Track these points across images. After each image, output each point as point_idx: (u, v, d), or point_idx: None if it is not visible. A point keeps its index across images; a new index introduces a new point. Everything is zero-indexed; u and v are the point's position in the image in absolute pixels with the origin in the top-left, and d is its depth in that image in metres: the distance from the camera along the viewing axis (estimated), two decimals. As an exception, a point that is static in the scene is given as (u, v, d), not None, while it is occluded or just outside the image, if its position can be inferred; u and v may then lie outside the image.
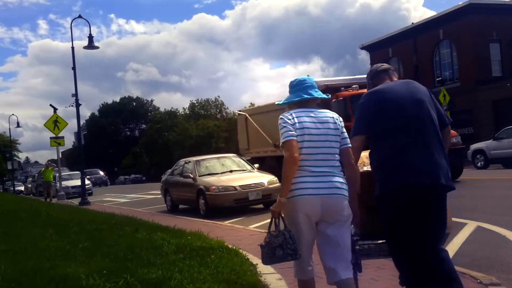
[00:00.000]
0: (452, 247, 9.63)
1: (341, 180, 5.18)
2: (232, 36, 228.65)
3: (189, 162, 21.92)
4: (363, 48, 63.19)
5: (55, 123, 33.33)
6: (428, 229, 5.11)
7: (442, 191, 5.24)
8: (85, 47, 33.24)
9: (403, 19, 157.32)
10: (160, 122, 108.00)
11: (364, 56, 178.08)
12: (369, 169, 5.54)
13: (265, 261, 5.28)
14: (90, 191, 42.58)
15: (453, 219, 12.33)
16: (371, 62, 61.73)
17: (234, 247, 8.71)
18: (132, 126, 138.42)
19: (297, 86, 5.48)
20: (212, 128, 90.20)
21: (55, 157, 39.56)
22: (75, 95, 32.68)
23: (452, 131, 5.54)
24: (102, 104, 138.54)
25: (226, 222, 15.59)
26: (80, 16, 34.28)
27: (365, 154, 5.68)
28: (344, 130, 5.35)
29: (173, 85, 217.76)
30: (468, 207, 14.79)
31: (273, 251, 5.09)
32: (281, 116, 5.32)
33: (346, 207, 5.17)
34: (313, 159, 5.14)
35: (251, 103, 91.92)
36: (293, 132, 5.12)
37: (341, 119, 5.44)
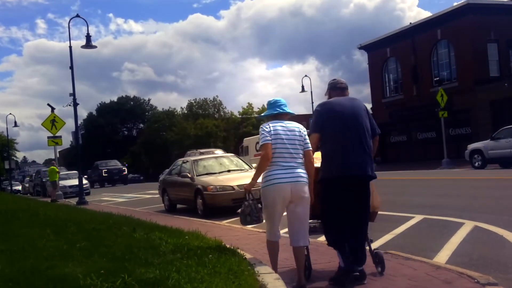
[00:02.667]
0: (449, 247, 9.65)
1: (303, 171, 7.22)
2: (227, 36, 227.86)
3: (187, 161, 21.92)
4: (361, 48, 63.10)
5: (52, 122, 33.26)
6: (356, 205, 7.27)
7: (368, 179, 7.40)
8: (82, 47, 33.17)
9: (398, 20, 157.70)
10: (158, 122, 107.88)
11: (359, 56, 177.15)
12: (317, 166, 7.54)
13: (242, 223, 7.82)
14: (87, 191, 42.59)
15: (451, 219, 12.45)
16: (369, 62, 61.75)
17: (231, 247, 8.71)
18: (130, 125, 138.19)
19: (274, 104, 7.60)
20: (211, 127, 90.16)
21: (53, 157, 39.55)
22: (73, 94, 32.63)
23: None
24: (99, 103, 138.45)
25: (224, 222, 15.61)
26: (77, 16, 34.22)
27: (315, 155, 7.61)
28: (307, 137, 7.41)
29: (169, 85, 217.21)
30: (465, 207, 14.82)
31: (245, 217, 7.61)
32: (261, 126, 7.42)
33: (307, 190, 7.22)
34: (283, 157, 7.16)
35: (248, 103, 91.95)
36: (269, 138, 7.17)
37: (304, 129, 7.48)
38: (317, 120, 7.53)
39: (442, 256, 8.99)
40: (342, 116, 7.35)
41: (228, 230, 13.78)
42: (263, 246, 8.93)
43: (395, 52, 56.95)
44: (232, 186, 18.44)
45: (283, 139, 7.18)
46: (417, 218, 13.31)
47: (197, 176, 20.04)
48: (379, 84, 59.70)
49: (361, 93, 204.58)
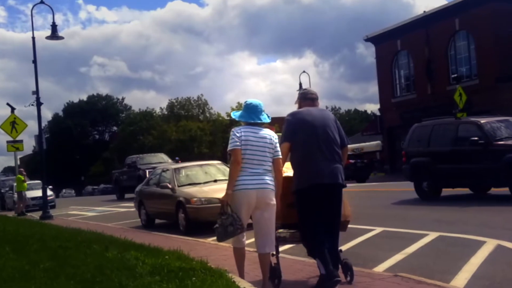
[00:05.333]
0: (469, 269, 9.67)
1: (270, 178, 8.31)
2: (212, 26, 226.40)
3: (167, 170, 21.92)
4: (367, 40, 63.19)
5: (12, 124, 33.18)
6: (329, 213, 8.47)
7: (339, 188, 8.58)
8: (48, 38, 33.10)
9: (407, 8, 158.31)
10: (134, 124, 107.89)
11: (364, 50, 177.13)
12: (288, 175, 8.75)
13: (220, 239, 8.53)
14: (52, 203, 42.39)
15: (470, 236, 12.46)
16: (377, 56, 61.84)
17: (218, 268, 8.72)
18: (102, 128, 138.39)
19: (253, 109, 8.57)
20: (195, 131, 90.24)
21: (13, 164, 39.43)
22: (36, 92, 32.54)
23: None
24: (66, 103, 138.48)
25: (210, 240, 15.58)
26: (42, 2, 34.09)
27: (285, 166, 8.75)
28: (277, 145, 8.46)
29: (146, 82, 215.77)
30: (488, 223, 14.85)
31: (226, 229, 8.17)
32: (232, 130, 8.46)
33: (273, 197, 8.32)
34: (251, 163, 8.22)
35: (238, 103, 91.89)
36: (238, 143, 8.19)
37: (276, 137, 8.54)
38: (288, 129, 8.75)
39: (460, 279, 9.02)
40: (312, 126, 8.56)
41: (214, 249, 13.78)
42: (255, 267, 9.06)
43: (406, 45, 57.05)
44: (219, 199, 18.34)
45: (253, 145, 8.27)
46: (432, 235, 13.33)
47: (178, 186, 20.01)
48: (388, 81, 59.79)
49: (366, 92, 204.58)
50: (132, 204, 27.26)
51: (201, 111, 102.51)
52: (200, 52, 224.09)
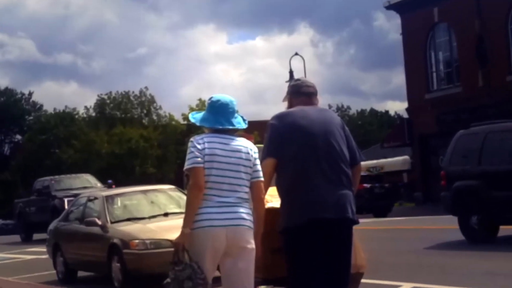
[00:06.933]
0: None
1: (246, 211, 8.03)
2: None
3: (96, 198, 21.89)
4: (389, 7, 63.19)
5: None
6: (333, 263, 7.95)
7: (348, 224, 8.14)
8: None
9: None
10: (46, 131, 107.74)
11: (384, 22, 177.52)
12: (273, 205, 8.71)
13: None
14: None
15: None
16: (403, 30, 61.88)
17: None
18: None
19: (221, 109, 8.32)
20: (136, 140, 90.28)
21: None
22: None
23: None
24: None
25: (158, 301, 15.61)
26: None
27: (268, 192, 8.51)
28: (258, 162, 8.16)
29: (64, 70, 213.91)
30: None
31: (181, 285, 7.70)
32: (191, 139, 8.17)
33: (251, 239, 7.99)
34: (219, 189, 7.95)
35: (199, 100, 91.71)
36: (200, 159, 7.93)
37: (255, 150, 8.22)
38: (272, 139, 8.34)
39: None
40: (309, 134, 8.18)
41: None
42: None
43: (447, 15, 57.08)
44: (170, 241, 18.29)
45: (221, 162, 8.02)
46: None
47: (112, 223, 19.96)
48: (421, 68, 59.78)
49: (387, 84, 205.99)
50: (44, 249, 27.22)
51: (145, 112, 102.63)
52: (144, 25, 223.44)
